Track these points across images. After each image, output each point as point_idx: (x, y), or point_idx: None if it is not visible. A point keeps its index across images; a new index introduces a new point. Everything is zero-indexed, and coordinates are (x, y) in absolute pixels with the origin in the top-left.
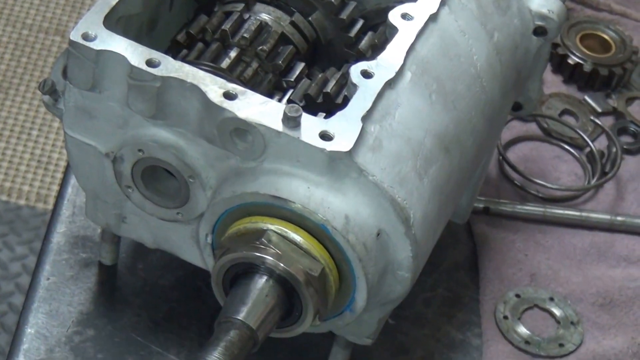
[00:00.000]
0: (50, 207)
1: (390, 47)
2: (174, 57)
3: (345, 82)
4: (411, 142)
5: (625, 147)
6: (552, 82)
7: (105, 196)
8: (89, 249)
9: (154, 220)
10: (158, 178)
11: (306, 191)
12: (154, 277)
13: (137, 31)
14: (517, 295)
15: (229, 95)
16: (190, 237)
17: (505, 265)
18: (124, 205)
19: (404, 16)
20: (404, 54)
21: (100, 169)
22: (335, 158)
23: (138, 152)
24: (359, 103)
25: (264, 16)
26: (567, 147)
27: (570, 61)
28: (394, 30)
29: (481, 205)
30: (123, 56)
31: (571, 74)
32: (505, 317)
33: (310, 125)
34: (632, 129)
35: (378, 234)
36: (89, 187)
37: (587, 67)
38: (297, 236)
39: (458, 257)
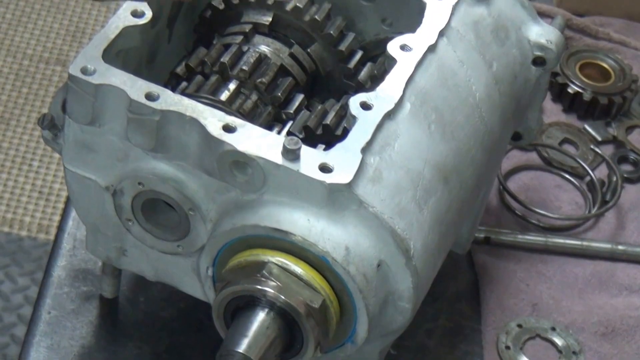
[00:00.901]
0: (51, 237)
1: (389, 78)
2: (173, 89)
3: (344, 114)
4: (411, 173)
5: (625, 175)
6: (552, 111)
7: (105, 229)
8: (90, 282)
9: (155, 253)
10: (158, 211)
11: (306, 223)
12: (155, 310)
13: (136, 64)
14: (519, 325)
15: (228, 128)
16: (191, 269)
17: (506, 295)
18: (125, 238)
19: (403, 47)
20: (403, 85)
21: (100, 203)
22: (335, 190)
23: (138, 185)
24: (359, 135)
25: (263, 48)
26: (567, 176)
27: (570, 90)
28: (392, 61)
29: (482, 235)
30: (122, 90)
31: (571, 103)
32: (508, 348)
33: (310, 158)
34: (632, 157)
35: (378, 265)
36: (90, 220)
37: (587, 96)
38: (297, 268)
39: (459, 287)
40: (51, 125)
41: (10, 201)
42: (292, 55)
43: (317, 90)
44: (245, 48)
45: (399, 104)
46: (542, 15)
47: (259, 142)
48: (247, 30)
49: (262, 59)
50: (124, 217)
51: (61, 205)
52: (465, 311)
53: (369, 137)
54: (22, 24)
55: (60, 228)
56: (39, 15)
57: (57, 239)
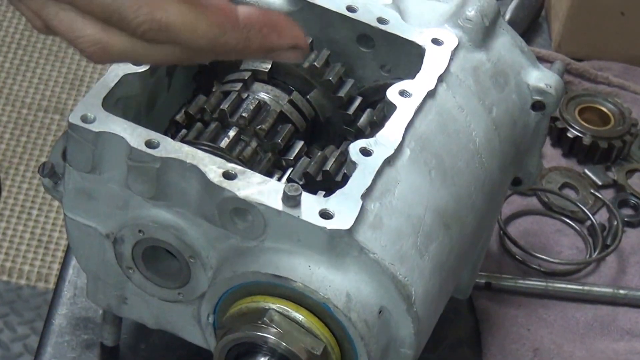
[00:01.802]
0: (51, 286)
1: (388, 124)
2: (173, 137)
3: (344, 160)
4: (411, 219)
5: (626, 219)
6: (552, 156)
7: (106, 277)
8: (90, 330)
9: (156, 300)
10: (159, 258)
11: (307, 270)
12: (156, 357)
13: (136, 112)
14: None
15: (228, 175)
16: (192, 317)
17: (508, 341)
18: (125, 286)
19: (402, 93)
20: (403, 130)
21: (100, 250)
22: (335, 236)
23: (138, 233)
24: (359, 181)
25: (263, 95)
26: (568, 220)
27: (569, 134)
28: (392, 107)
29: (483, 281)
30: (122, 137)
31: (571, 148)
32: None
33: (310, 204)
34: (633, 201)
35: (380, 312)
36: (90, 268)
37: (587, 140)
38: (298, 315)
39: (460, 333)
40: (51, 174)
41: (9, 250)
42: (291, 102)
43: (316, 137)
44: (244, 95)
45: (399, 149)
46: (541, 60)
47: (259, 188)
48: (246, 78)
49: (261, 105)
50: (125, 265)
51: (60, 254)
52: (467, 357)
53: (369, 183)
54: (21, 72)
55: (61, 276)
56: (37, 64)
57: (57, 287)
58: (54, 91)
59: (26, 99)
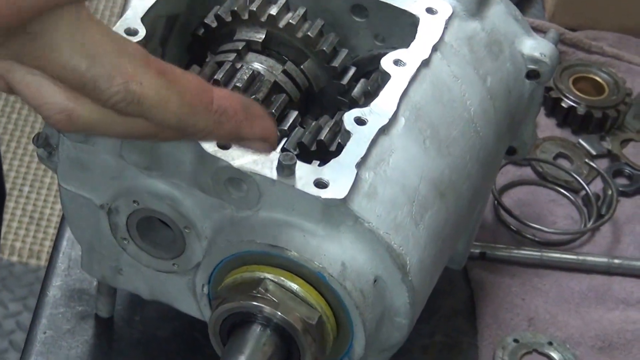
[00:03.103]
0: (43, 263)
1: (383, 93)
2: None
3: (338, 130)
4: (406, 189)
5: (620, 189)
6: (546, 126)
7: (100, 248)
8: (85, 302)
9: (150, 271)
10: (153, 229)
11: (302, 239)
12: (151, 329)
13: None
14: (516, 340)
15: (222, 145)
16: (187, 288)
17: (502, 310)
18: (120, 257)
19: (397, 62)
20: (397, 100)
21: (95, 221)
22: (330, 205)
23: (133, 203)
24: (353, 150)
25: (257, 65)
26: (562, 190)
27: (563, 104)
28: (386, 76)
29: (477, 251)
30: None
31: (565, 118)
32: None
33: (305, 174)
34: (627, 171)
35: (375, 281)
36: (84, 239)
37: (581, 110)
38: (293, 284)
39: (455, 303)
40: (45, 144)
41: None
42: (285, 72)
43: (310, 107)
44: (238, 65)
45: (394, 119)
46: (535, 29)
47: (253, 158)
48: (240, 48)
49: (255, 76)
50: (119, 236)
51: (52, 231)
52: (462, 327)
53: (363, 152)
54: None
55: (55, 248)
56: None
57: (51, 258)
58: None
59: None
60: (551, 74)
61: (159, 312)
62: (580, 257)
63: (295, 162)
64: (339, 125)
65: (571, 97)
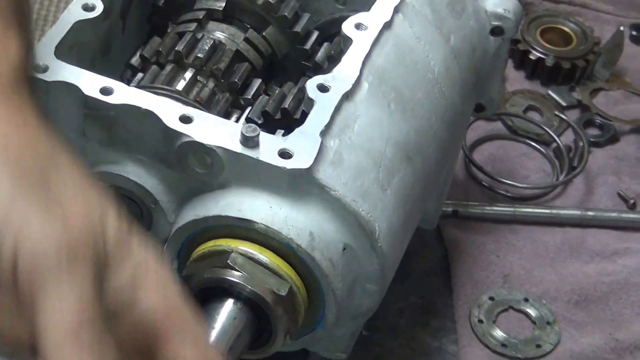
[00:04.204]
0: None
1: (345, 58)
2: (129, 81)
3: (302, 97)
4: (372, 154)
5: (592, 140)
6: (515, 79)
7: None
8: None
9: None
10: (120, 205)
11: (269, 210)
12: None
13: (90, 57)
14: (491, 298)
15: (185, 119)
16: None
17: (477, 268)
18: None
19: (358, 26)
20: (360, 64)
21: None
22: (295, 175)
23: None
24: (317, 118)
25: (218, 34)
26: (533, 144)
27: (531, 57)
28: (348, 41)
29: (450, 209)
30: (76, 86)
31: (533, 70)
32: (480, 321)
33: (269, 144)
34: (598, 121)
35: (344, 249)
36: None
37: (549, 62)
38: (262, 256)
39: (429, 264)
40: None
41: None
42: (247, 40)
43: (274, 74)
44: (199, 35)
45: (357, 84)
46: None
47: (216, 131)
48: (201, 17)
49: (217, 45)
50: None
51: None
52: (436, 287)
53: (327, 119)
54: None
55: None
56: None
57: None
58: None
59: None
60: (515, 29)
61: None
62: (554, 211)
63: (259, 134)
64: (303, 92)
65: (539, 48)
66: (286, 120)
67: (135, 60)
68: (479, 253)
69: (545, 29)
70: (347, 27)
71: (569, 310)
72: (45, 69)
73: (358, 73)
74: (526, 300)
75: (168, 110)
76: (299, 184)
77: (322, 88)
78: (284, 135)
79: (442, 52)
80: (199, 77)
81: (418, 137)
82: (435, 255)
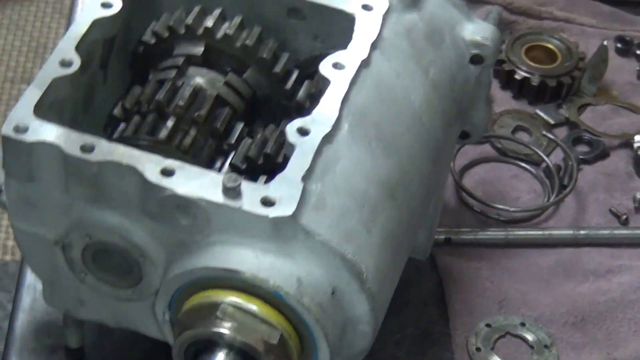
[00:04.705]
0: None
1: (324, 99)
2: (113, 131)
3: (284, 140)
4: (355, 195)
5: (581, 157)
6: (502, 99)
7: (60, 282)
8: (54, 335)
9: (112, 300)
10: (109, 260)
11: (255, 260)
12: (122, 354)
13: (72, 111)
14: (488, 325)
15: (166, 172)
16: (150, 313)
17: (472, 295)
18: (81, 289)
19: (335, 65)
20: (339, 105)
21: (51, 257)
22: (279, 223)
23: (85, 237)
24: (298, 162)
25: (198, 80)
26: (523, 164)
27: (517, 76)
28: (326, 81)
29: (442, 237)
30: (56, 146)
31: (520, 89)
32: (478, 349)
33: (251, 193)
34: (587, 137)
35: (333, 293)
36: (44, 274)
37: (535, 81)
38: (252, 305)
39: (424, 293)
40: None
41: None
42: (227, 84)
43: (257, 114)
44: (179, 82)
45: (336, 125)
46: (482, 2)
47: (198, 182)
48: (180, 64)
49: (197, 91)
50: (77, 269)
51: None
52: (433, 316)
53: (308, 164)
54: None
55: (19, 282)
56: None
57: (17, 293)
58: (19, 61)
59: None
60: (495, 56)
61: (128, 336)
62: (546, 232)
63: (240, 184)
64: (284, 135)
65: (524, 68)
66: (269, 164)
67: (117, 110)
68: (473, 279)
69: (530, 47)
70: (325, 67)
71: (566, 332)
72: (25, 130)
73: (337, 114)
74: (523, 324)
75: (149, 165)
76: (283, 231)
77: (302, 131)
78: (266, 180)
79: (422, 85)
80: (181, 125)
81: (401, 173)
82: (430, 284)
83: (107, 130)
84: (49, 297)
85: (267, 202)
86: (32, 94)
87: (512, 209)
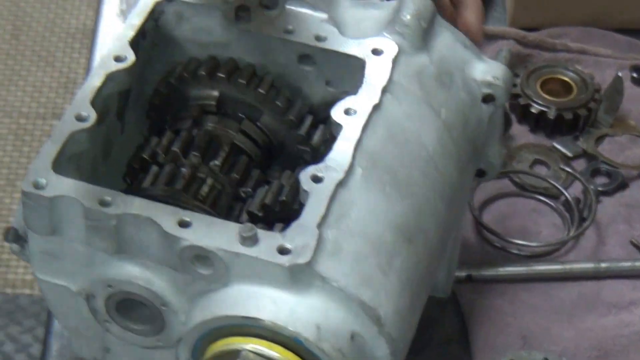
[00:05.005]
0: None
1: (336, 146)
2: (132, 182)
3: (299, 186)
4: (371, 240)
5: (600, 189)
6: (520, 133)
7: (86, 331)
8: None
9: (138, 348)
10: (133, 309)
11: (273, 307)
12: None
13: (91, 162)
14: None
15: (183, 223)
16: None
17: (495, 331)
18: (106, 337)
19: (347, 111)
20: (352, 150)
21: (76, 307)
22: (296, 271)
23: (108, 287)
24: (313, 210)
25: (213, 129)
26: (542, 198)
27: (533, 110)
28: (338, 127)
29: (464, 274)
30: (76, 199)
31: (536, 123)
32: None
33: (268, 241)
34: (605, 169)
35: (352, 337)
36: (70, 324)
37: (552, 114)
38: (272, 352)
39: (447, 331)
40: (16, 238)
41: (9, 262)
42: (242, 132)
43: (273, 159)
44: (194, 132)
45: (350, 171)
46: (494, 37)
47: (215, 232)
48: (195, 114)
49: (212, 140)
50: (101, 319)
51: None
52: (456, 354)
53: (323, 211)
54: (14, 82)
55: (47, 330)
56: (29, 72)
57: (45, 341)
58: (49, 97)
59: (22, 109)
60: (507, 95)
61: None
62: (567, 266)
63: (256, 233)
64: (299, 182)
65: (540, 101)
66: (285, 211)
67: (135, 162)
68: (495, 316)
69: (545, 80)
70: (337, 113)
71: None
72: (44, 186)
73: (350, 159)
74: None
75: (166, 217)
76: (300, 278)
77: (316, 179)
78: (283, 227)
79: (434, 126)
80: (197, 174)
81: (417, 216)
82: (453, 322)
83: (127, 180)
84: (76, 345)
85: (283, 251)
86: (49, 149)
87: (532, 244)
